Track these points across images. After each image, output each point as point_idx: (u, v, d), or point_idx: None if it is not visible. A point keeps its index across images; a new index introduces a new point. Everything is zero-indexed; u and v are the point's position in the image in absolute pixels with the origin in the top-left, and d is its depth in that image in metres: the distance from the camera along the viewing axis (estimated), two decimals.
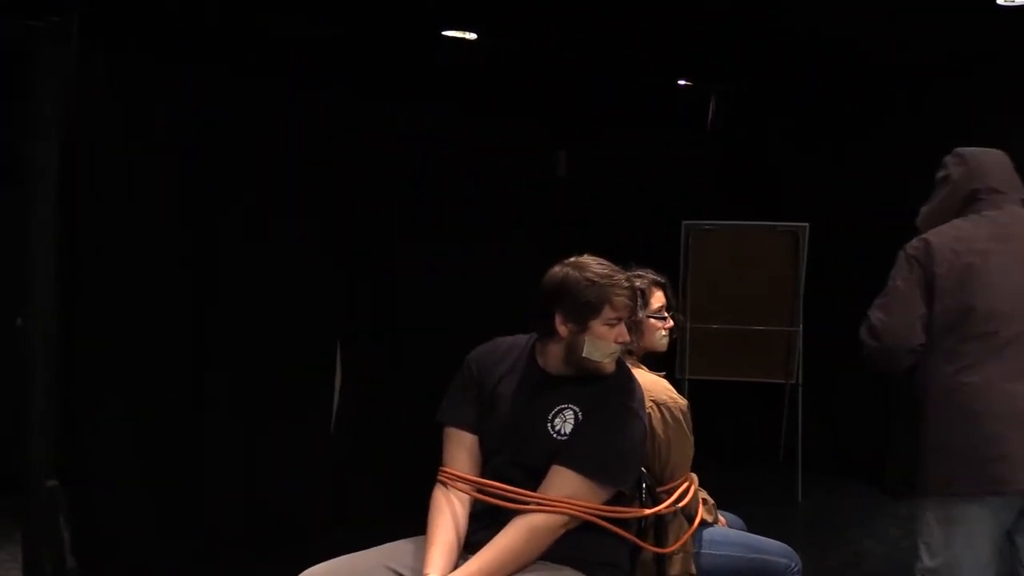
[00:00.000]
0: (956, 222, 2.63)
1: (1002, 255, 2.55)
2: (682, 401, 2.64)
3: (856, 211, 5.49)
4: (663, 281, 2.84)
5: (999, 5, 4.11)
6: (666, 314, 2.83)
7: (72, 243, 3.84)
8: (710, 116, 6.40)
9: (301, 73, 4.52)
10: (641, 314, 2.72)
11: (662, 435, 2.56)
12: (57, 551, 3.74)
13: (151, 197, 4.10)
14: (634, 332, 2.68)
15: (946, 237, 2.60)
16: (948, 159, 2.75)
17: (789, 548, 2.94)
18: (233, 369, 4.38)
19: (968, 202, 2.65)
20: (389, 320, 5.00)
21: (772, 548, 2.92)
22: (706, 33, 4.81)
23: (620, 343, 2.31)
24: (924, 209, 2.73)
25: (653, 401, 2.56)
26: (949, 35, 4.77)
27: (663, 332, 2.82)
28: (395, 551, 2.31)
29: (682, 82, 6.16)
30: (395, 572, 2.23)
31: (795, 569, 2.90)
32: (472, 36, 4.72)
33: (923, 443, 2.58)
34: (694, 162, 6.21)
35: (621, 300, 2.29)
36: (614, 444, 2.25)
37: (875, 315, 2.62)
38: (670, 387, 2.66)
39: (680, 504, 2.55)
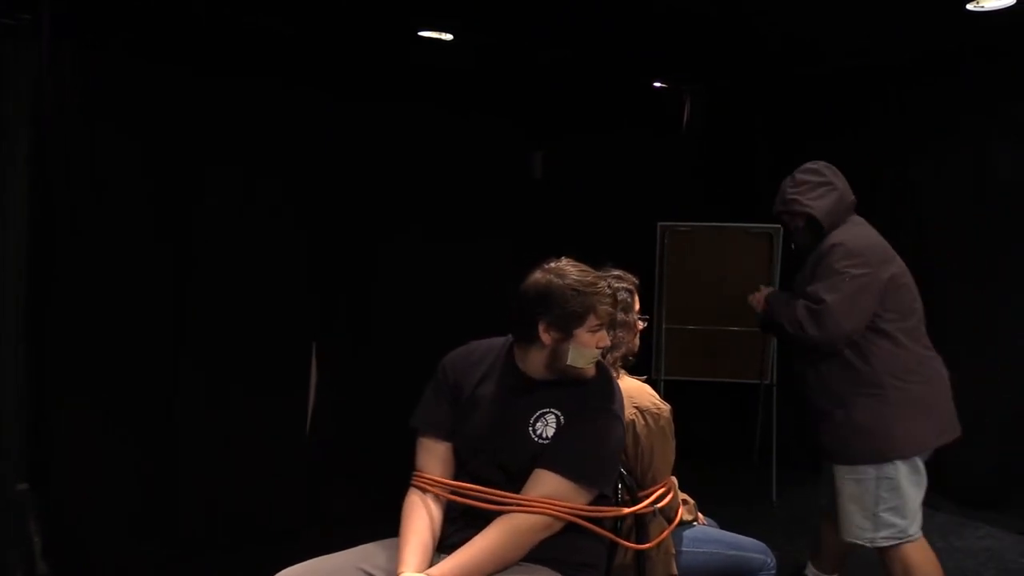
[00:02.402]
0: (861, 228, 3.19)
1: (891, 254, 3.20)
2: (665, 407, 2.65)
3: None
4: (638, 283, 2.87)
5: (968, 10, 4.16)
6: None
7: (43, 243, 3.80)
8: (685, 117, 6.43)
9: (276, 72, 4.49)
10: (632, 316, 2.75)
11: (645, 441, 2.57)
12: (28, 556, 3.69)
13: (123, 197, 4.06)
14: (628, 334, 2.71)
15: (873, 240, 3.16)
16: (823, 168, 3.24)
17: (764, 545, 3.02)
18: (207, 371, 4.34)
19: (849, 210, 3.21)
20: (364, 321, 4.98)
21: (749, 545, 2.98)
22: (681, 34, 4.83)
23: (601, 347, 2.33)
24: (824, 206, 3.16)
25: (636, 408, 2.57)
26: (920, 38, 4.82)
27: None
28: (369, 553, 2.31)
29: (657, 84, 6.18)
30: (369, 574, 2.23)
31: (770, 565, 2.97)
32: (448, 37, 4.71)
33: (890, 412, 3.01)
34: (669, 163, 6.23)
35: (605, 308, 2.31)
36: (596, 448, 2.26)
37: (830, 300, 3.02)
38: (654, 393, 2.67)
39: (658, 505, 2.57)
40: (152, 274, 4.17)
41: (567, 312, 2.28)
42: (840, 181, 3.22)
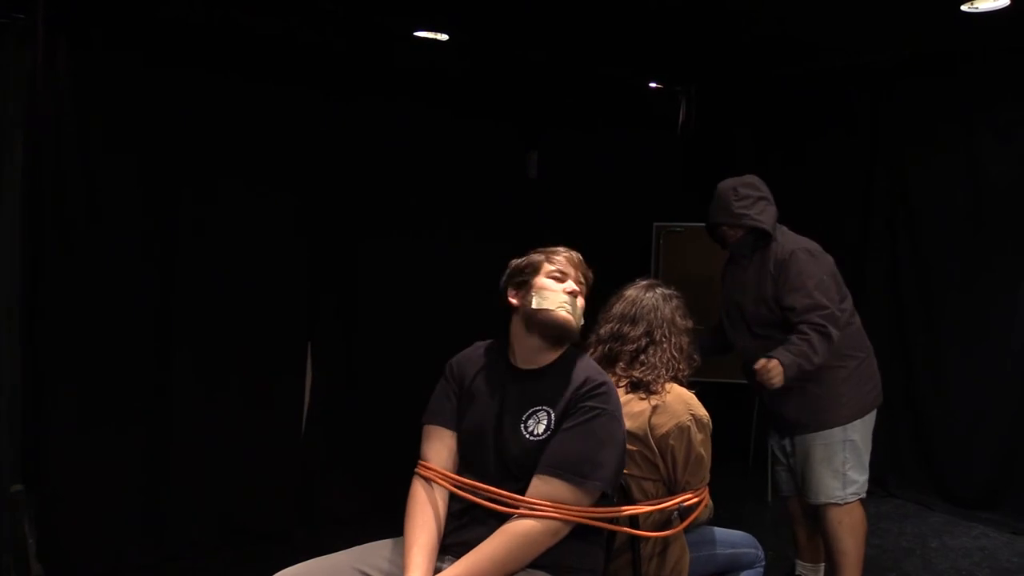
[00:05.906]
0: (795, 234, 3.59)
1: None
2: (707, 414, 2.75)
3: (822, 212, 5.53)
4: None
5: (962, 11, 4.17)
6: None
7: (35, 244, 3.79)
8: (680, 118, 6.44)
9: (272, 72, 4.49)
10: (692, 323, 2.93)
11: (700, 449, 2.67)
12: (22, 557, 3.69)
13: (118, 196, 4.05)
14: (694, 343, 2.90)
15: (810, 241, 3.56)
16: (758, 183, 3.61)
17: (753, 538, 3.08)
18: (201, 372, 4.33)
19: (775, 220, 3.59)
20: (360, 322, 4.97)
21: (741, 541, 3.04)
22: (677, 34, 4.84)
23: (569, 294, 2.42)
24: (768, 219, 3.55)
25: (693, 415, 2.68)
26: (916, 39, 4.83)
27: None
28: (366, 553, 2.30)
29: (653, 84, 6.19)
30: (366, 575, 2.22)
31: (761, 557, 3.03)
32: (443, 37, 4.71)
33: (851, 381, 3.49)
34: (664, 164, 6.23)
35: (558, 258, 2.48)
36: (597, 449, 2.26)
37: (825, 300, 3.40)
38: (700, 404, 2.77)
39: (661, 506, 2.59)
40: (147, 274, 4.16)
41: (522, 269, 2.48)
42: (770, 194, 3.61)
